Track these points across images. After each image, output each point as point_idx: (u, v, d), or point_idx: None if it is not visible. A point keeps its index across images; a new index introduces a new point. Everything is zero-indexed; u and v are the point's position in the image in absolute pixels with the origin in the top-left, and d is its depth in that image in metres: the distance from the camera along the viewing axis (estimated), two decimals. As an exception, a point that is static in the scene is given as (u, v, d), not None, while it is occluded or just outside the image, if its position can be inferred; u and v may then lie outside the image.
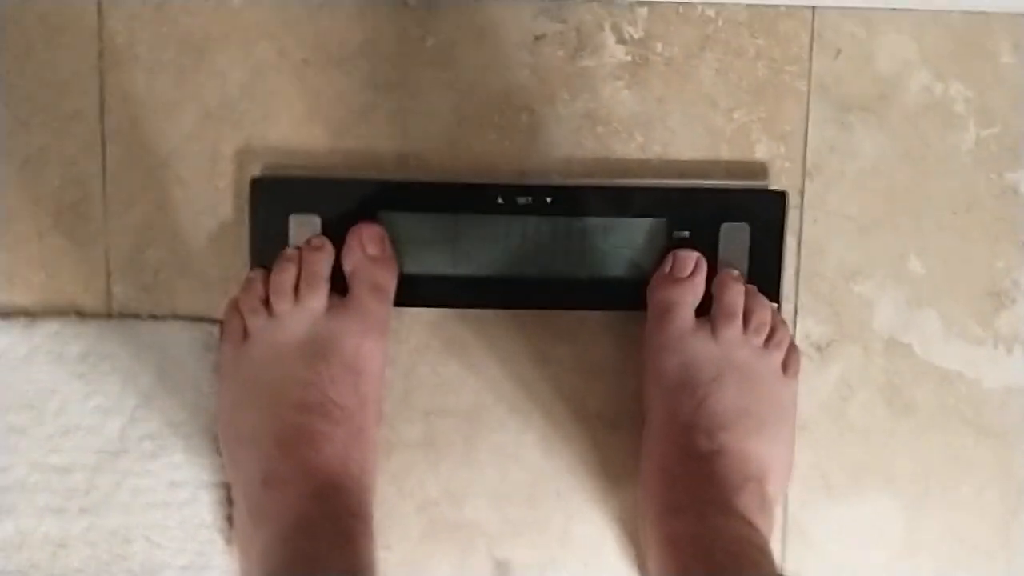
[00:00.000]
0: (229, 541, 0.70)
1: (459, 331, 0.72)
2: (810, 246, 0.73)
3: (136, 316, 0.70)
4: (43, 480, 0.69)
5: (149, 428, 0.69)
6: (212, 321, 0.70)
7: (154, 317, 0.70)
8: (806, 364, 0.73)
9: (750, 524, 0.63)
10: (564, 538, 0.74)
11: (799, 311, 0.74)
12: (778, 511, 0.74)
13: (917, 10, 0.72)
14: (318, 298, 0.66)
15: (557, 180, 0.71)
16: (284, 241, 0.68)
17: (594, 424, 0.73)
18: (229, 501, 0.70)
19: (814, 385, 0.74)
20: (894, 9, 0.72)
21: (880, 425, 0.75)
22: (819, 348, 0.74)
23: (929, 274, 0.74)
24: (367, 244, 0.67)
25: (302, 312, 0.65)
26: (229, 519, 0.70)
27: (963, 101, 0.73)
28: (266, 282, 0.66)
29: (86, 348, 0.69)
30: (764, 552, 0.62)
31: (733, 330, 0.68)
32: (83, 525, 0.69)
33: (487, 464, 0.73)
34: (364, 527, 0.63)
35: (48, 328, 0.69)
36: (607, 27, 0.71)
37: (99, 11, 0.68)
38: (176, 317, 0.70)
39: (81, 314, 0.70)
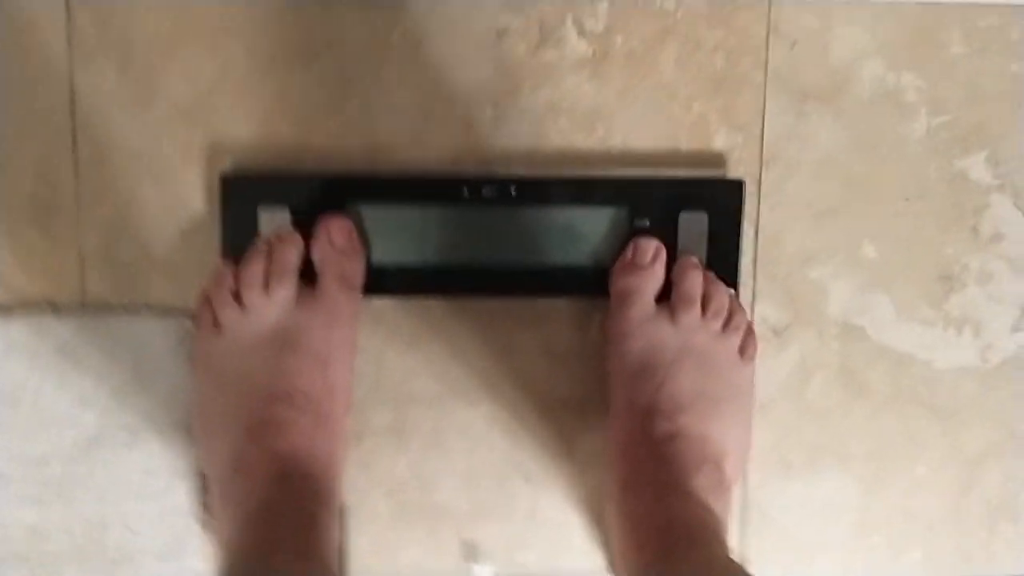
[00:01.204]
0: (204, 527, 0.72)
1: (427, 320, 0.74)
2: (767, 233, 0.75)
3: (110, 310, 0.71)
4: (21, 471, 0.70)
5: (124, 419, 0.71)
6: (185, 313, 0.71)
7: (127, 311, 0.71)
8: (764, 348, 0.75)
9: (705, 505, 0.65)
10: (531, 520, 0.76)
11: (756, 296, 0.76)
12: (737, 490, 0.77)
13: (872, 1, 0.74)
14: (287, 289, 0.67)
15: (521, 172, 0.73)
16: (254, 234, 0.69)
17: (561, 409, 0.75)
18: (204, 489, 0.72)
19: (772, 368, 0.76)
20: (849, 1, 0.74)
21: (836, 406, 0.77)
22: (776, 332, 0.76)
23: (882, 259, 0.76)
24: (335, 236, 0.68)
25: (271, 303, 0.67)
26: (204, 506, 0.72)
27: (915, 90, 0.75)
28: (236, 274, 0.67)
29: (61, 342, 0.70)
30: (716, 533, 0.64)
31: (692, 315, 0.70)
32: (60, 513, 0.71)
33: (455, 449, 0.75)
34: (328, 512, 0.65)
35: (23, 323, 0.70)
36: (568, 21, 0.72)
37: (67, 9, 0.69)
38: (149, 310, 0.72)
39: (56, 309, 0.71)
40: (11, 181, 0.70)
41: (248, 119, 0.71)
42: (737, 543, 0.78)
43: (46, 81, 0.70)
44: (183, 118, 0.71)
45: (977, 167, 0.76)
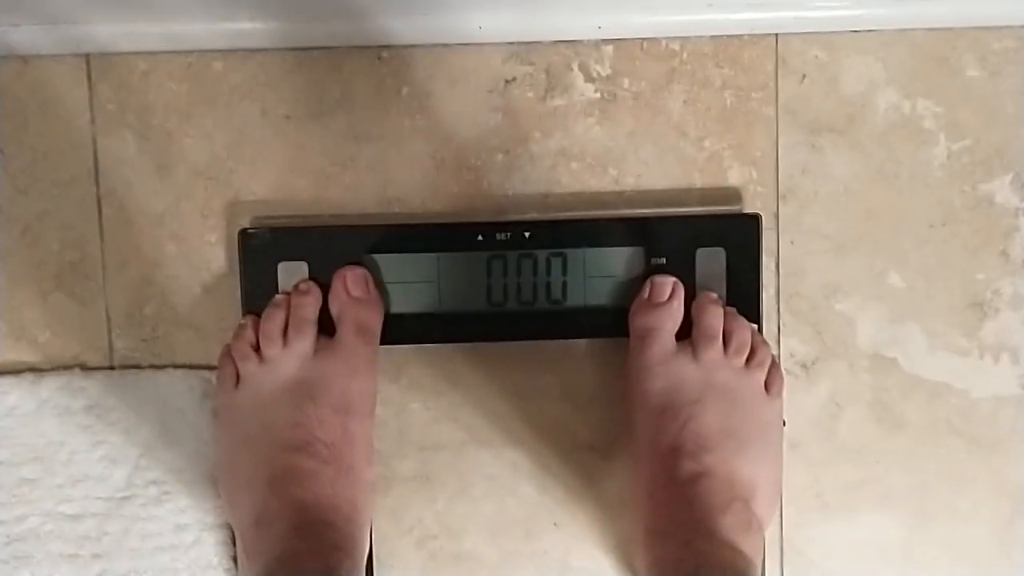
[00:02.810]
0: (233, 580, 0.73)
1: (448, 367, 0.74)
2: (789, 267, 0.74)
3: (137, 368, 0.73)
4: (56, 528, 0.72)
5: (154, 474, 0.72)
6: (209, 369, 0.73)
7: (154, 368, 0.73)
8: (793, 383, 0.74)
9: (734, 547, 0.64)
10: (563, 568, 0.75)
11: (782, 331, 0.75)
12: (774, 533, 0.75)
13: (880, 30, 0.74)
14: (306, 341, 0.68)
15: (534, 216, 0.73)
16: (274, 288, 0.71)
17: (586, 453, 0.75)
18: (233, 542, 0.72)
19: (802, 404, 0.75)
20: (856, 31, 0.73)
21: (871, 441, 0.75)
22: (804, 366, 0.75)
23: (910, 289, 0.75)
24: (351, 286, 0.70)
25: (291, 355, 0.68)
26: (234, 559, 0.72)
27: (932, 117, 0.74)
28: (257, 328, 0.69)
29: (91, 401, 0.72)
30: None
31: (714, 352, 0.69)
32: (96, 570, 0.72)
33: (483, 497, 0.75)
34: (352, 562, 0.64)
35: (54, 383, 0.72)
36: (575, 67, 0.73)
37: (88, 80, 0.72)
38: (175, 367, 0.73)
39: (85, 368, 0.73)
40: (40, 247, 0.73)
41: (265, 177, 0.73)
42: (776, 587, 0.76)
43: (71, 151, 0.73)
44: (202, 179, 0.73)
45: (1003, 190, 0.74)
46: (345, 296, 0.69)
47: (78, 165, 0.73)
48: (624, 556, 0.75)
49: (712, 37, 0.73)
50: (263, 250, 0.71)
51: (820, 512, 0.76)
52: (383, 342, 0.71)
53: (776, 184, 0.74)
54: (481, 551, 0.75)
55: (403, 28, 0.71)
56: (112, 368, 0.73)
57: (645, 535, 0.68)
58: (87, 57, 0.72)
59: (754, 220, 0.72)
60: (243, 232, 0.71)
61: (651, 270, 0.72)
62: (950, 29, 0.74)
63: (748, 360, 0.69)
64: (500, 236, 0.72)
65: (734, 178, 0.74)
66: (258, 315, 0.70)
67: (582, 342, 0.74)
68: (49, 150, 0.73)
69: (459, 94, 0.73)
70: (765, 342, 0.71)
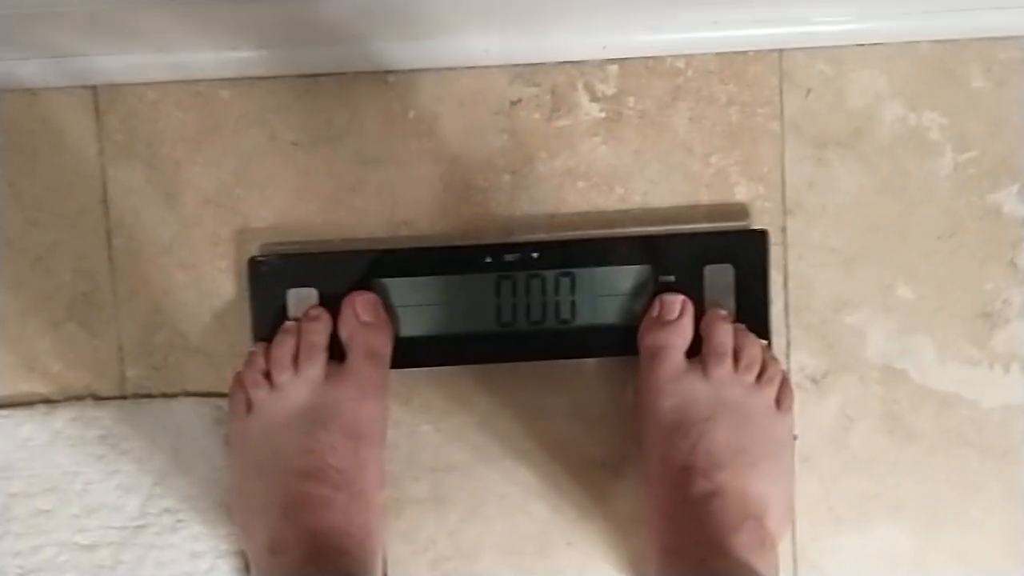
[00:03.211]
0: (249, 607, 0.73)
1: (458, 388, 0.75)
2: (797, 281, 0.75)
3: (149, 396, 0.73)
4: (72, 559, 0.72)
5: (168, 503, 0.73)
6: (221, 396, 0.73)
7: (166, 396, 0.73)
8: (804, 397, 0.74)
9: (748, 566, 0.64)
10: (578, 585, 0.76)
11: (791, 345, 0.75)
12: (787, 547, 0.75)
13: (885, 43, 0.74)
14: (316, 367, 0.68)
15: (542, 236, 0.73)
16: (284, 315, 0.71)
17: (598, 472, 0.75)
18: (247, 568, 0.72)
19: (814, 417, 0.75)
20: (861, 44, 0.73)
21: (883, 453, 0.75)
22: (815, 380, 0.75)
23: (919, 300, 0.75)
24: (361, 311, 0.70)
25: (301, 381, 0.68)
26: (249, 585, 0.73)
27: (938, 128, 0.74)
28: (267, 355, 0.69)
29: (104, 430, 0.72)
30: (762, 598, 0.63)
31: (724, 369, 0.69)
32: (112, 600, 0.72)
33: (496, 517, 0.75)
34: (366, 588, 0.65)
35: (67, 414, 0.72)
36: (580, 87, 0.73)
37: (96, 111, 0.72)
38: (187, 395, 0.74)
39: (97, 398, 0.73)
40: (51, 278, 0.73)
41: (273, 203, 0.73)
42: (791, 600, 0.76)
43: (80, 182, 0.73)
44: (211, 207, 0.73)
45: (1010, 201, 0.74)
46: (355, 321, 0.70)
47: (88, 196, 0.73)
48: (638, 574, 0.75)
49: (717, 54, 0.73)
50: (272, 277, 0.71)
51: (833, 524, 0.76)
52: (394, 366, 0.71)
53: (783, 199, 0.74)
54: (495, 571, 0.75)
55: (409, 52, 0.72)
56: (124, 397, 0.74)
57: (659, 554, 0.68)
58: (94, 89, 0.72)
59: (762, 235, 0.72)
60: (252, 259, 0.71)
61: (659, 288, 0.72)
62: (955, 40, 0.74)
63: (758, 376, 0.69)
64: (508, 257, 0.72)
65: (741, 194, 0.74)
66: (268, 342, 0.70)
67: (592, 360, 0.74)
68: (59, 181, 0.73)
69: (466, 116, 0.73)
70: (775, 358, 0.71)
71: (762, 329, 0.72)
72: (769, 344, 0.72)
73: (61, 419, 0.72)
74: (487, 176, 0.73)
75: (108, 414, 0.73)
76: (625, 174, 0.74)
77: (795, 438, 0.71)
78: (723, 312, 0.71)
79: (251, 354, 0.70)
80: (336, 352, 0.70)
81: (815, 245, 0.74)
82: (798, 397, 0.72)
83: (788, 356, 0.75)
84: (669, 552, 0.67)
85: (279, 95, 0.72)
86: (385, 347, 0.70)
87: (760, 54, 0.73)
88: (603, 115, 0.73)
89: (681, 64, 0.73)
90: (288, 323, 0.70)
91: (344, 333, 0.70)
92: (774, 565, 0.67)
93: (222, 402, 0.73)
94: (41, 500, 0.72)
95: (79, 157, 0.73)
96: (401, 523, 0.75)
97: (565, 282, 0.72)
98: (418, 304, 0.72)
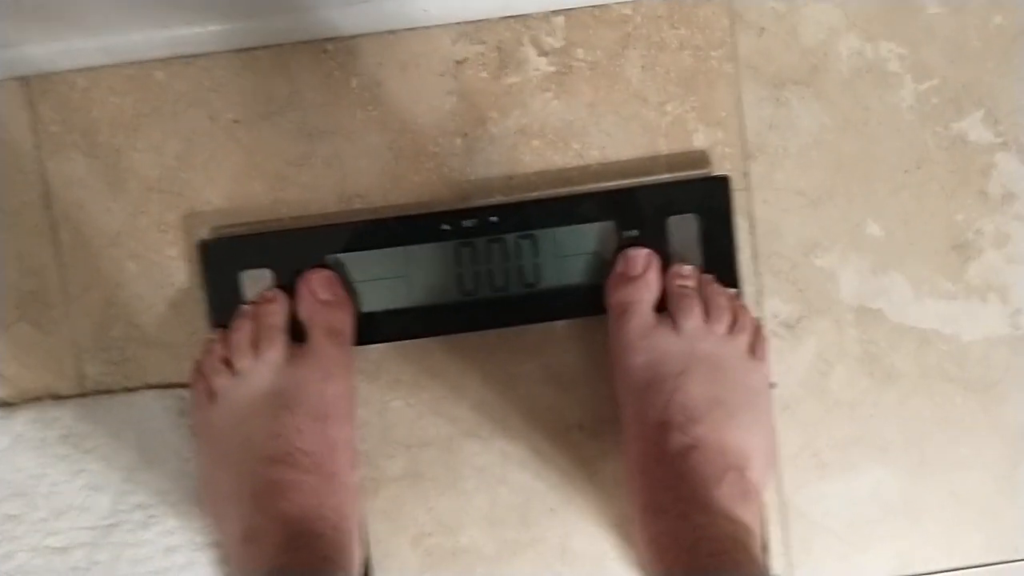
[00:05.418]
0: (228, 599, 0.71)
1: (426, 362, 0.73)
2: (764, 226, 0.73)
3: (110, 392, 0.72)
4: (45, 563, 0.71)
5: (138, 498, 0.71)
6: (183, 387, 0.71)
7: (127, 390, 0.72)
8: (780, 344, 0.73)
9: (732, 517, 0.63)
10: (564, 552, 0.74)
11: (763, 292, 0.73)
12: (774, 498, 0.74)
13: (837, -24, 0.72)
14: (276, 349, 0.67)
15: (500, 199, 0.71)
16: (239, 298, 0.69)
17: (575, 435, 0.73)
18: (224, 560, 0.71)
19: (791, 364, 0.74)
20: (812, -21, 0.72)
21: (864, 395, 0.74)
22: (789, 326, 0.73)
23: (889, 237, 0.73)
24: (318, 290, 0.68)
25: (262, 365, 0.66)
26: (227, 576, 0.71)
27: (896, 59, 0.72)
28: (226, 341, 0.67)
29: (66, 430, 0.71)
30: (746, 545, 0.61)
31: (693, 321, 0.67)
32: (88, 601, 0.71)
33: (475, 489, 0.73)
34: (343, 570, 0.63)
35: (27, 415, 0.71)
36: (526, 41, 0.71)
37: (30, 103, 0.70)
38: (148, 387, 0.72)
39: (57, 397, 0.72)
40: (-3, 279, 0.71)
41: (219, 184, 0.71)
42: (782, 553, 0.74)
43: (19, 177, 0.71)
44: (155, 193, 0.71)
45: (975, 127, 0.73)
46: (312, 300, 0.68)
47: (28, 191, 0.71)
48: (624, 534, 0.74)
49: (664, -1, 0.71)
50: (224, 260, 0.69)
51: (818, 471, 0.74)
52: (358, 342, 0.69)
53: (743, 143, 0.72)
54: (478, 544, 0.74)
55: (347, 18, 0.69)
56: (84, 395, 0.72)
57: (641, 512, 0.67)
58: (25, 79, 0.70)
59: (723, 182, 0.71)
60: (201, 243, 0.70)
61: (624, 243, 0.70)
62: (908, -33, 0.72)
63: (731, 327, 0.68)
64: (466, 223, 0.70)
65: (700, 141, 0.72)
66: (226, 328, 0.68)
67: (561, 323, 0.73)
68: (-4, 178, 0.71)
69: (411, 80, 0.71)
70: (745, 306, 0.69)
71: (731, 278, 0.70)
72: (739, 293, 0.71)
73: (20, 421, 0.71)
74: (438, 141, 0.71)
75: (69, 413, 0.71)
76: (580, 129, 0.72)
77: (773, 386, 0.69)
78: (686, 267, 0.69)
79: (209, 341, 0.68)
80: (297, 333, 0.68)
81: (779, 188, 0.72)
82: (773, 345, 0.71)
83: (760, 304, 0.73)
84: (650, 509, 0.66)
85: (215, 72, 0.70)
86: (346, 324, 0.69)
87: (709, -5, 0.71)
88: (553, 69, 0.71)
89: (629, 11, 0.71)
90: (244, 307, 0.68)
91: (303, 313, 0.68)
92: (758, 515, 0.66)
93: (185, 392, 0.71)
94: (8, 505, 0.70)
95: (16, 152, 0.71)
96: (379, 502, 0.73)
97: (527, 245, 0.70)
98: (377, 278, 0.70)
